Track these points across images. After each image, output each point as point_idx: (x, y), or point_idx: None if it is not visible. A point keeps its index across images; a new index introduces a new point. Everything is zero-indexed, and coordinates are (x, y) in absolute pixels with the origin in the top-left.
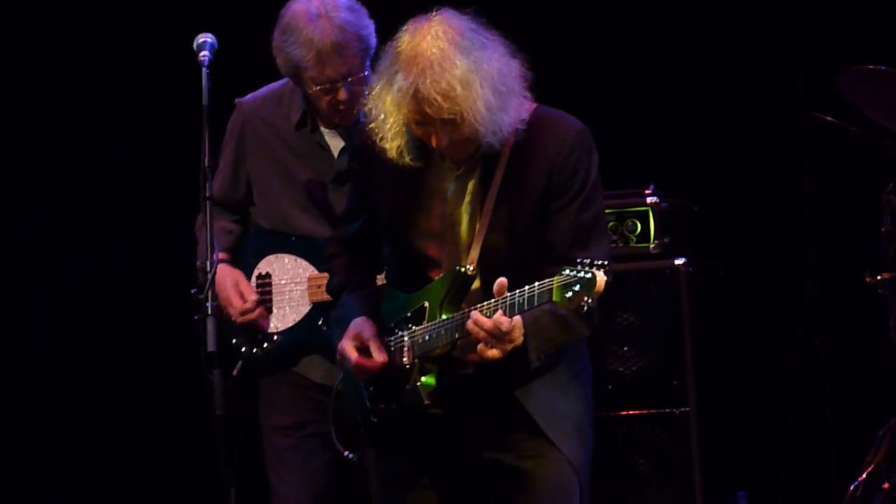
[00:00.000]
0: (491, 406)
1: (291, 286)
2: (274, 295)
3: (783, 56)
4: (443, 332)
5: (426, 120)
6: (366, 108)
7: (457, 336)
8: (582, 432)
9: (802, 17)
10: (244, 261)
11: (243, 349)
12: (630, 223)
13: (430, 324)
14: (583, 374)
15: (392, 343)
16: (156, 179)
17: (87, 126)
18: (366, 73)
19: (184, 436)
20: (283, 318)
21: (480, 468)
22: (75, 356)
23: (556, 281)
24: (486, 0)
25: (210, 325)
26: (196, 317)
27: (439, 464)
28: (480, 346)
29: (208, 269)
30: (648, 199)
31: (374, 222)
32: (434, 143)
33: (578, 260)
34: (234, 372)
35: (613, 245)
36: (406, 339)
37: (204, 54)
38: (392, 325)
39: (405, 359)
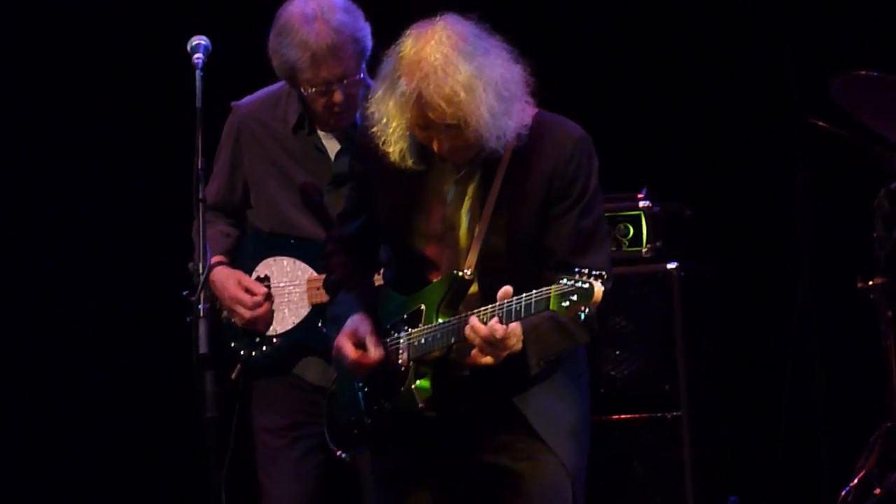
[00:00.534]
0: (486, 409)
1: (290, 288)
2: (273, 297)
3: (776, 61)
4: (439, 335)
5: (429, 124)
6: (368, 112)
7: (452, 340)
8: (577, 436)
9: (796, 21)
10: (242, 264)
11: (242, 353)
12: (623, 227)
13: (426, 327)
14: (580, 379)
15: (388, 345)
16: (150, 182)
17: (81, 128)
18: (361, 76)
19: (175, 438)
20: (282, 320)
21: (474, 470)
22: (67, 359)
23: (553, 290)
24: (490, 6)
25: (202, 327)
26: (188, 319)
27: (433, 465)
28: (474, 352)
29: (200, 271)
30: (641, 203)
31: (373, 223)
32: (436, 147)
33: (577, 270)
34: (233, 375)
35: None
36: (402, 341)
37: (198, 56)
38: (388, 326)
39: (400, 361)
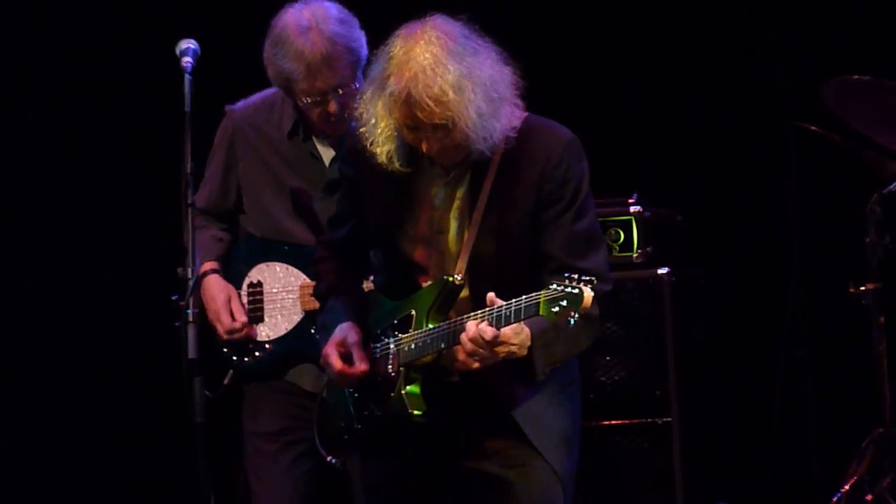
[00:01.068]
0: (476, 415)
1: (283, 294)
2: (265, 304)
3: (769, 65)
4: (429, 341)
5: (417, 125)
6: (356, 112)
7: (443, 346)
8: (568, 443)
9: (788, 26)
10: (235, 269)
11: (234, 358)
12: (613, 232)
13: (416, 332)
14: (572, 386)
15: (378, 350)
16: (139, 186)
17: (70, 131)
18: (357, 85)
19: (164, 444)
20: (274, 326)
21: (465, 476)
22: (55, 364)
23: (543, 295)
24: (479, 8)
25: (191, 332)
26: (177, 324)
27: (423, 471)
28: (462, 356)
29: (189, 276)
30: (632, 209)
31: (362, 227)
32: (425, 148)
33: (567, 275)
34: (225, 381)
35: None
36: (392, 346)
37: (186, 60)
38: (378, 331)
39: (390, 367)
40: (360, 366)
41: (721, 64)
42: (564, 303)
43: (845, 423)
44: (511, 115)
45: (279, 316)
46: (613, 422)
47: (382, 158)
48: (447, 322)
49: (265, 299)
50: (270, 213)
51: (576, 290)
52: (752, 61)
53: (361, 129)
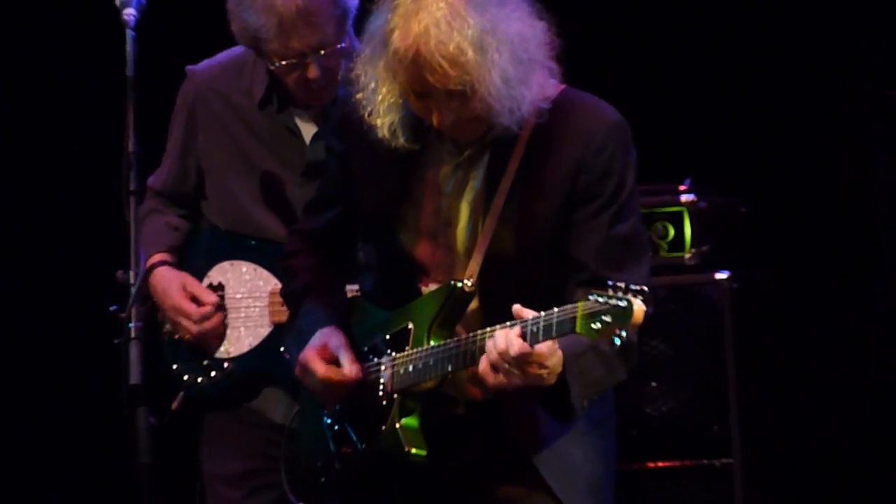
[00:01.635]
0: (487, 456)
1: (249, 302)
2: (228, 312)
3: (851, 24)
4: (431, 362)
5: (427, 91)
6: (352, 75)
7: (449, 369)
8: (599, 492)
9: None
10: (192, 265)
11: (186, 377)
12: (660, 227)
13: (414, 351)
14: (605, 423)
15: (366, 372)
16: (72, 169)
17: None
18: (343, 45)
19: (101, 491)
20: (236, 341)
21: None
22: None
23: (580, 308)
24: None
25: (133, 351)
26: (116, 341)
27: None
28: (483, 366)
29: (131, 280)
30: (684, 197)
31: (350, 216)
32: (435, 120)
33: (610, 283)
34: (174, 405)
35: None
36: (384, 368)
37: (129, 13)
38: (366, 349)
39: (381, 393)
40: (352, 370)
41: (795, 22)
42: (608, 318)
43: None
44: (544, 84)
45: (242, 328)
46: (660, 464)
47: (384, 132)
48: (455, 339)
49: (227, 306)
50: (237, 201)
51: (623, 303)
52: (831, 18)
53: (358, 96)
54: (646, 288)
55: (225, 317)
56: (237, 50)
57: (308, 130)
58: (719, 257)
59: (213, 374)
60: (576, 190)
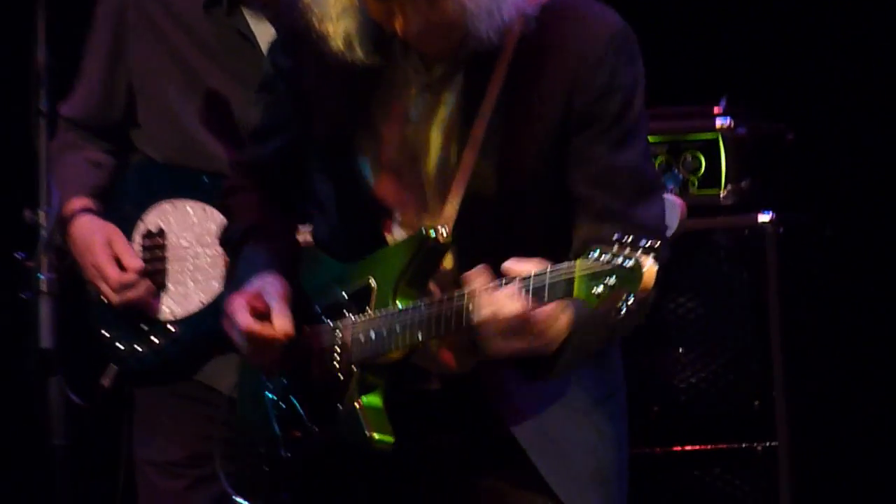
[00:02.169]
0: (467, 442)
1: (198, 250)
2: (170, 264)
3: None
4: (397, 329)
5: None
6: None
7: (419, 337)
8: (606, 484)
9: None
10: (120, 210)
11: (119, 346)
12: (689, 158)
13: (378, 313)
14: (612, 400)
15: (319, 338)
16: None
17: None
18: None
19: (8, 473)
20: (184, 298)
21: None
22: None
23: (579, 268)
24: None
25: (44, 309)
26: (23, 296)
27: None
28: (491, 320)
29: (42, 221)
30: (718, 122)
31: (300, 145)
32: (399, 27)
33: (616, 237)
34: (105, 381)
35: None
36: (339, 334)
37: None
38: (319, 310)
39: (337, 364)
40: (281, 323)
41: None
42: (612, 280)
43: None
44: None
45: (191, 283)
46: (689, 447)
47: (338, 43)
48: (427, 301)
49: (169, 257)
50: (179, 125)
51: (630, 263)
52: None
53: (306, 0)
54: (659, 242)
55: (166, 273)
56: None
57: (264, 35)
58: (761, 195)
59: (154, 340)
60: (571, 113)
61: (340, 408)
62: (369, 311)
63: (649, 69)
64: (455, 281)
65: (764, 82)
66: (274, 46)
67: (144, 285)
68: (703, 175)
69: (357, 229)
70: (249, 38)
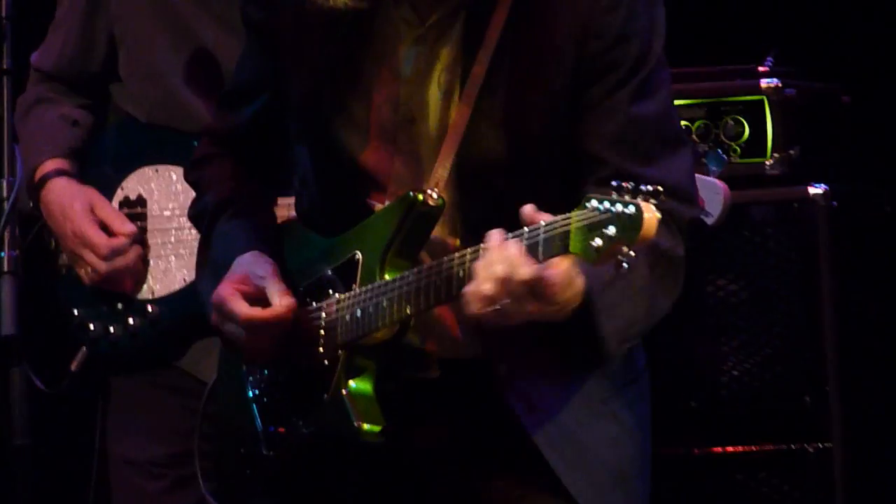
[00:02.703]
0: (469, 435)
1: (182, 221)
2: (150, 236)
3: None
4: (384, 303)
5: None
6: None
7: (408, 311)
8: (628, 482)
9: None
10: (98, 174)
11: (92, 327)
12: (731, 123)
13: (364, 289)
14: (633, 387)
15: (301, 319)
16: None
17: None
18: None
19: None
20: (164, 275)
21: None
22: None
23: (574, 219)
24: None
25: (6, 289)
26: None
27: None
28: (477, 300)
29: (4, 192)
30: (764, 82)
31: (278, 109)
32: None
33: (614, 183)
34: (73, 365)
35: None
36: (324, 314)
37: None
38: (302, 288)
39: (322, 349)
40: (284, 302)
41: None
42: (611, 230)
43: None
44: None
45: (173, 258)
46: (731, 448)
47: None
48: (416, 269)
49: (150, 228)
50: (164, 80)
51: (629, 209)
52: None
53: None
54: (660, 188)
55: (146, 247)
56: None
57: None
58: (813, 165)
59: (130, 321)
60: (583, 61)
61: (326, 396)
62: (356, 287)
63: (686, 23)
64: (452, 250)
65: (815, 37)
66: None
67: (135, 252)
68: (746, 142)
69: (341, 201)
70: None
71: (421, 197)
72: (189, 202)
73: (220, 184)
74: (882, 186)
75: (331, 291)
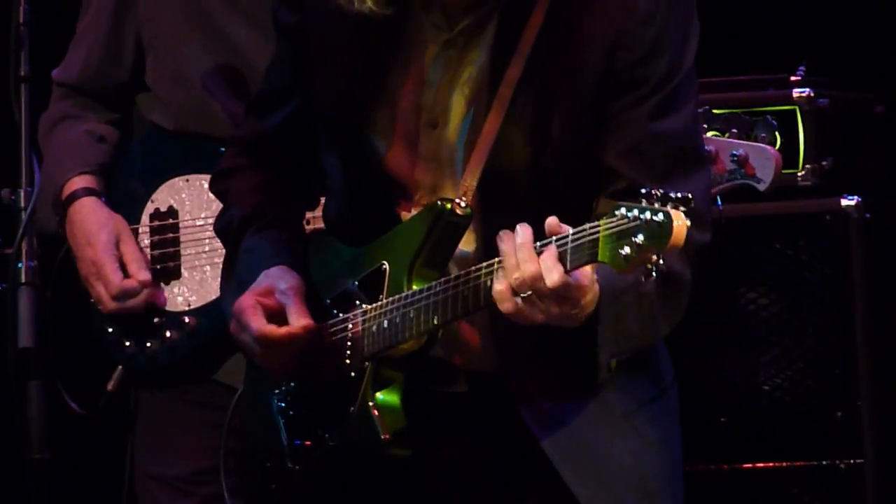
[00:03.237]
0: (493, 448)
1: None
2: (183, 248)
3: None
4: (412, 314)
5: None
6: None
7: (435, 321)
8: (652, 499)
9: None
10: (126, 188)
11: (126, 343)
12: (763, 134)
13: (391, 300)
14: (660, 402)
15: (329, 332)
16: None
17: None
18: None
19: None
20: (199, 286)
21: None
22: None
23: (603, 227)
24: None
25: (24, 301)
26: (0, 286)
27: None
28: (502, 287)
29: (23, 203)
30: (796, 92)
31: (307, 115)
32: None
33: (644, 191)
34: (110, 385)
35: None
36: (350, 325)
37: None
38: (328, 300)
39: (349, 361)
40: (300, 323)
41: None
42: (640, 238)
43: None
44: None
45: (207, 268)
46: (761, 464)
47: None
48: (444, 280)
49: (183, 240)
50: (195, 86)
51: (659, 217)
52: None
53: None
54: (691, 195)
55: (177, 262)
56: None
57: None
58: (846, 176)
59: (168, 334)
60: (612, 73)
61: (352, 409)
62: (382, 298)
63: (718, 32)
64: (477, 260)
65: (848, 46)
66: (277, 1)
67: (145, 296)
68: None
69: (368, 209)
70: None
71: (449, 206)
72: None
73: (246, 197)
74: None
75: (357, 302)
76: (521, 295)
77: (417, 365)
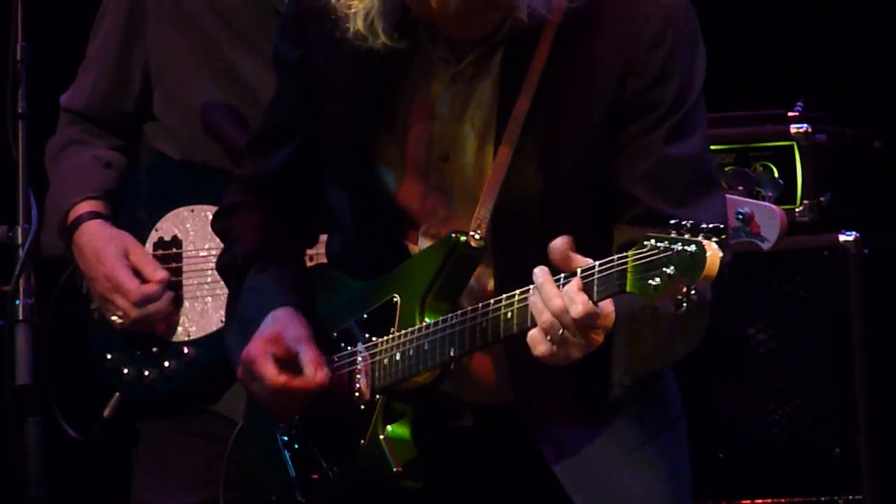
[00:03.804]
0: (504, 480)
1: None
2: (185, 277)
3: None
4: (426, 347)
5: None
6: None
7: (452, 353)
8: None
9: None
10: (131, 216)
11: (126, 371)
12: (760, 169)
13: (402, 333)
14: (669, 434)
15: (336, 366)
16: None
17: None
18: None
19: None
20: (200, 317)
21: None
22: None
23: (631, 258)
24: None
25: (21, 339)
26: None
27: None
28: (541, 344)
29: (19, 240)
30: (794, 128)
31: (311, 152)
32: (436, 2)
33: (673, 221)
34: (107, 412)
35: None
36: (361, 360)
37: None
38: (336, 334)
39: (359, 394)
40: (316, 374)
41: None
42: (671, 269)
43: None
44: None
45: (210, 300)
46: (759, 501)
47: (357, 24)
48: (457, 314)
49: (185, 269)
50: (203, 118)
51: (691, 248)
52: None
53: None
54: (722, 226)
55: (181, 288)
56: None
57: None
58: (843, 212)
59: (166, 364)
60: (622, 100)
61: (362, 443)
62: (393, 331)
63: (716, 68)
64: (490, 292)
65: (846, 82)
66: (277, 36)
67: (168, 298)
68: (775, 187)
69: (377, 243)
70: None
71: (463, 239)
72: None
73: (248, 235)
74: None
75: (367, 335)
76: (554, 335)
77: (428, 398)
